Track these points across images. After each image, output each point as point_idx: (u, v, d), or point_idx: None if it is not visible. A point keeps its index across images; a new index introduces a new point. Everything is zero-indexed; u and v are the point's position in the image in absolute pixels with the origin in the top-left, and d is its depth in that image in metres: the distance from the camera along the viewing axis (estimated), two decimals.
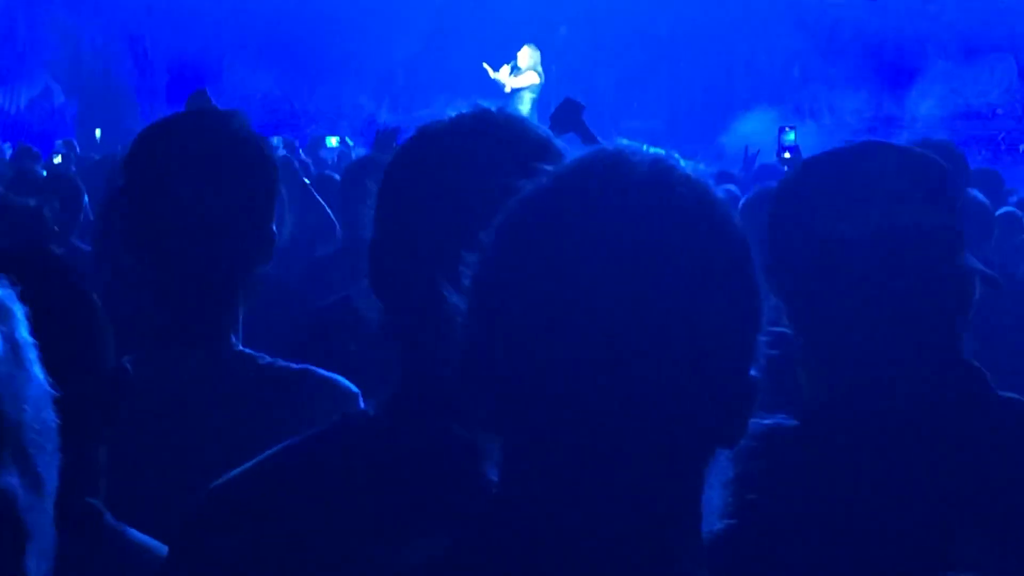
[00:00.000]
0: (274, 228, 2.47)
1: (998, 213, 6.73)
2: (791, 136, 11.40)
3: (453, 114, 1.82)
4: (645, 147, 1.42)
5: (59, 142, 15.61)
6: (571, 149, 1.63)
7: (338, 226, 6.03)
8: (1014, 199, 8.97)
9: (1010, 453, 2.04)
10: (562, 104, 7.23)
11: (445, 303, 1.34)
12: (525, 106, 20.07)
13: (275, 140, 14.27)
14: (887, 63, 21.71)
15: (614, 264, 1.22)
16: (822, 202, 2.08)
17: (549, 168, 1.33)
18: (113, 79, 23.08)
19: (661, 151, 1.37)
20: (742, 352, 1.29)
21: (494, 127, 1.78)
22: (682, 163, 1.34)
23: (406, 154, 1.84)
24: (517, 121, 1.81)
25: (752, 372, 1.30)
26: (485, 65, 20.30)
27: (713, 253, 1.26)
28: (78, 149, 14.57)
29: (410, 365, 1.75)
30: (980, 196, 6.11)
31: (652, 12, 22.64)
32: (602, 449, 1.24)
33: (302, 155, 13.24)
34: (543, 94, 19.51)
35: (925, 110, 20.65)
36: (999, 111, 21.44)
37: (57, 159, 12.70)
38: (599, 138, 7.27)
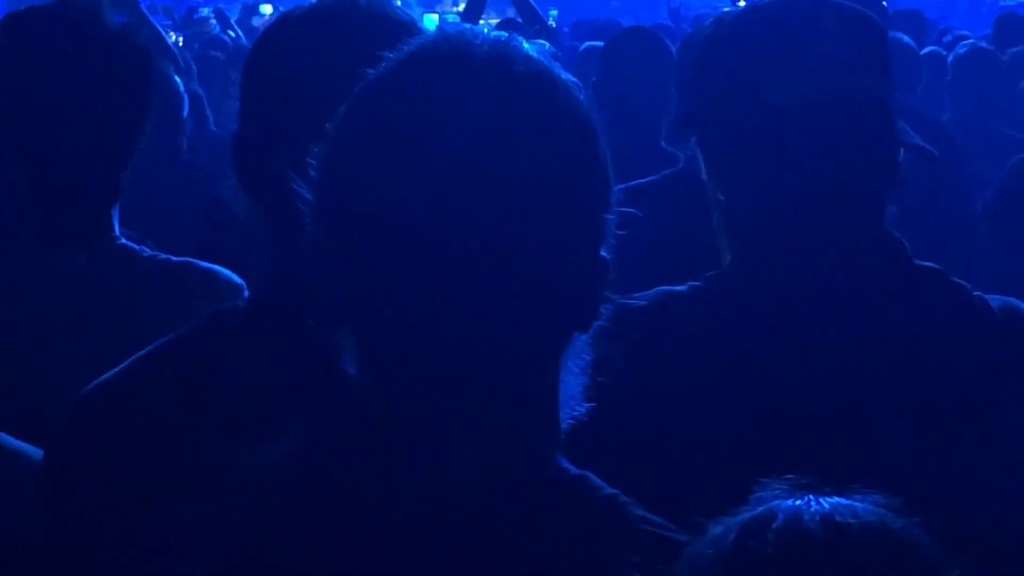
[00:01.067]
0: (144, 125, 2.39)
1: (923, 53, 6.69)
2: None
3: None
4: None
5: None
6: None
7: None
8: (948, 37, 8.90)
9: (925, 325, 1.95)
10: None
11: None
12: None
13: (205, 11, 14.03)
14: None
15: (453, 148, 1.21)
16: (754, 61, 1.96)
17: (390, 54, 1.30)
18: None
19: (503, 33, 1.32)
20: (590, 234, 1.28)
21: (354, 12, 1.75)
22: (525, 44, 1.31)
23: (265, 43, 1.81)
24: (379, 5, 1.78)
25: (602, 253, 1.29)
26: None
27: (555, 134, 1.25)
28: None
29: (278, 261, 1.73)
30: (905, 39, 6.06)
31: None
32: (452, 337, 1.24)
33: (234, 26, 13.03)
34: None
35: None
36: None
37: None
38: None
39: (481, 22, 8.64)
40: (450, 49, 1.27)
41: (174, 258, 2.30)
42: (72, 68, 2.29)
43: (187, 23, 13.89)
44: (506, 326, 1.24)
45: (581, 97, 1.30)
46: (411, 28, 1.70)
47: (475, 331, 1.24)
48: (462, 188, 1.21)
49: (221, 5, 17.53)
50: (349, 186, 1.26)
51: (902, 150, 2.00)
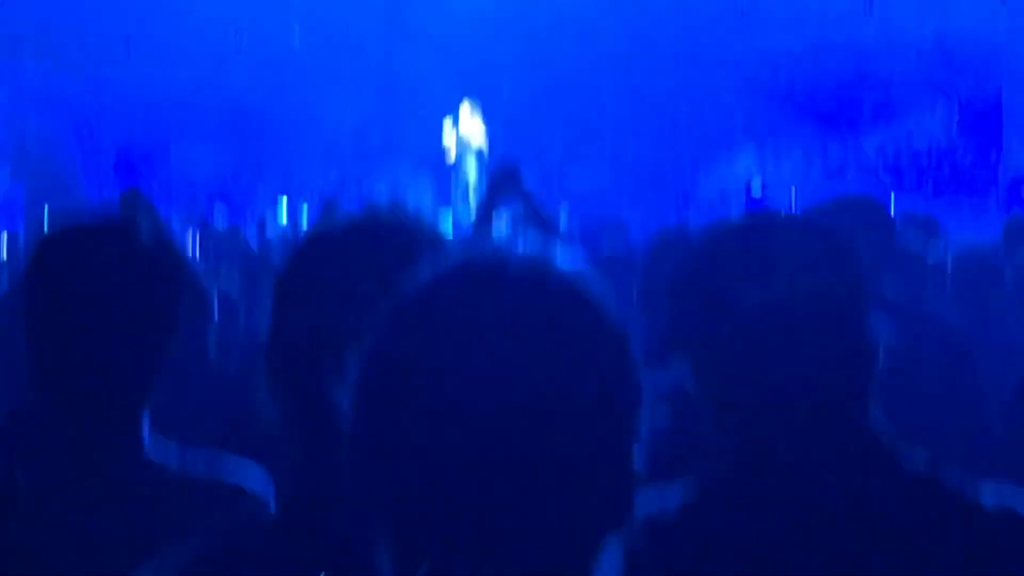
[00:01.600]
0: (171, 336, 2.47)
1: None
2: (758, 185, 11.45)
3: (344, 216, 1.86)
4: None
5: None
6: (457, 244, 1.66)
7: None
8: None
9: (910, 538, 2.03)
10: (499, 170, 7.29)
11: (335, 403, 1.37)
12: (471, 171, 20.13)
13: (219, 221, 14.21)
14: (831, 109, 21.87)
15: (489, 368, 1.27)
16: (724, 271, 2.11)
17: (428, 268, 1.37)
18: (59, 161, 22.99)
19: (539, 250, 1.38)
20: (622, 438, 1.34)
21: (383, 227, 1.82)
22: (557, 257, 1.37)
23: (297, 258, 1.87)
24: (405, 220, 1.85)
25: (635, 449, 1.35)
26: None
27: (586, 346, 1.32)
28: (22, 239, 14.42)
29: (306, 468, 1.76)
30: (913, 244, 6.13)
31: (592, 69, 22.75)
32: (494, 543, 1.28)
33: (248, 240, 13.22)
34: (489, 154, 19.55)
35: (872, 154, 20.80)
36: (941, 148, 21.60)
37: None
38: (536, 202, 7.35)
39: (494, 223, 8.77)
40: (485, 267, 1.35)
41: (201, 475, 2.35)
42: (108, 281, 2.38)
43: (203, 237, 14.06)
44: (544, 530, 1.29)
45: (610, 310, 1.36)
46: (438, 241, 1.76)
47: (518, 537, 1.28)
48: (501, 406, 1.27)
49: (239, 210, 17.86)
50: (387, 402, 1.31)
51: (880, 348, 2.10)
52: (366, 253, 1.77)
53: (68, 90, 23.64)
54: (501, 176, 7.11)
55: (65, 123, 23.72)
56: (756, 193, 11.15)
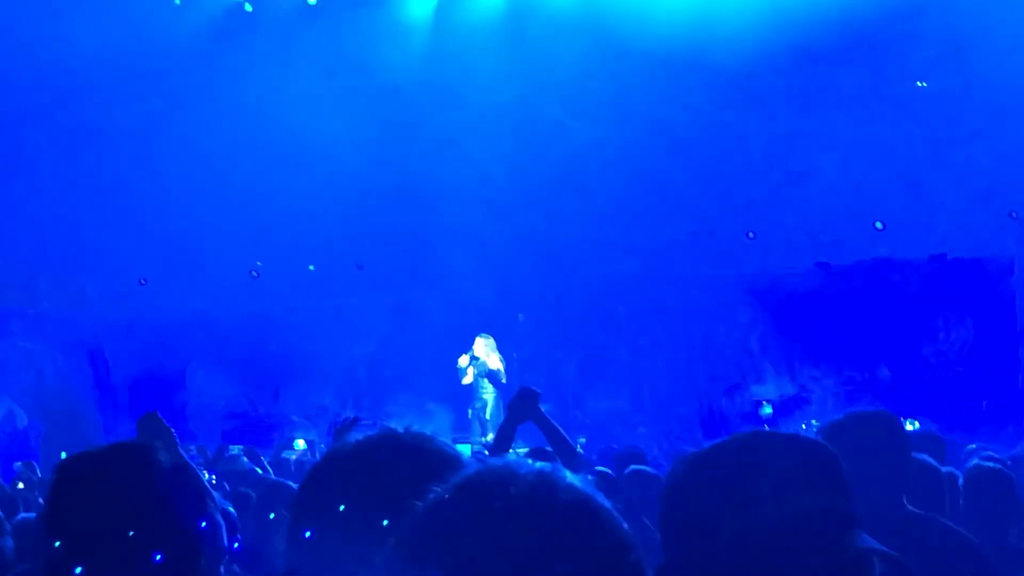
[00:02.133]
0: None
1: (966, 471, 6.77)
2: (768, 409, 11.43)
3: (360, 438, 1.87)
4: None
5: (18, 465, 15.51)
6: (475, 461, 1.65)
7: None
8: (974, 459, 8.94)
9: None
10: (518, 393, 7.30)
11: None
12: (489, 395, 20.21)
13: (235, 449, 14.27)
14: (843, 329, 22.00)
15: (499, 565, 1.29)
16: (710, 498, 2.08)
17: (437, 486, 1.40)
18: (74, 397, 23.13)
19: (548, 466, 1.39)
20: None
21: (398, 448, 1.83)
22: (567, 474, 1.38)
23: (313, 478, 1.88)
24: (420, 441, 1.86)
25: None
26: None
27: (593, 551, 1.34)
28: (39, 472, 14.47)
29: None
30: (928, 459, 6.12)
31: (606, 295, 23.01)
32: None
33: (265, 464, 13.24)
34: (507, 379, 19.62)
35: (887, 372, 20.84)
36: (959, 369, 21.65)
37: (20, 485, 12.61)
38: (555, 424, 7.34)
39: (511, 451, 8.75)
40: (495, 479, 1.37)
41: None
42: (127, 504, 2.39)
43: (219, 459, 14.15)
44: None
45: (621, 522, 1.40)
46: (455, 462, 1.76)
47: None
48: None
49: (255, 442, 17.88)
50: None
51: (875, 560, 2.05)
52: (386, 471, 1.78)
53: (83, 327, 23.93)
54: (521, 396, 7.12)
55: (81, 360, 23.93)
56: (766, 413, 11.10)
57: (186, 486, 2.51)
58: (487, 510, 1.34)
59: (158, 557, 2.38)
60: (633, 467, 8.28)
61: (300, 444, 16.77)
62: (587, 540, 1.34)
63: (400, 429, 1.91)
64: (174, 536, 2.43)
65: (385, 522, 1.50)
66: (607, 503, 1.40)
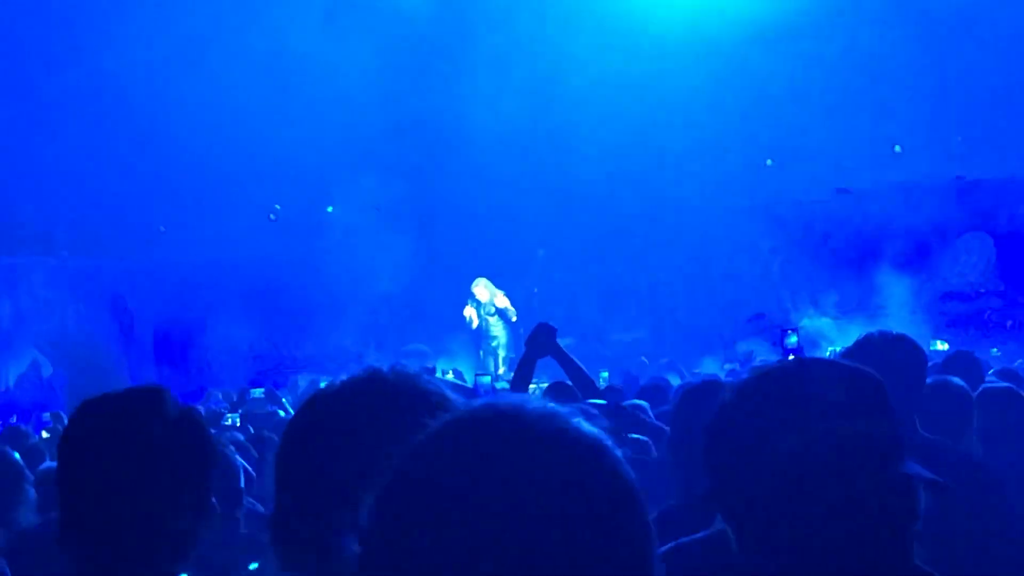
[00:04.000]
0: (212, 499, 2.51)
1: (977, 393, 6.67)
2: (793, 339, 11.39)
3: (345, 378, 1.85)
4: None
5: (46, 415, 15.60)
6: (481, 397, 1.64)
7: None
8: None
9: None
10: (536, 329, 7.28)
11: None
12: (500, 332, 20.29)
13: (257, 392, 14.33)
14: (864, 254, 21.94)
15: (498, 501, 1.25)
16: (759, 423, 2.08)
17: (432, 423, 1.35)
18: (99, 345, 23.23)
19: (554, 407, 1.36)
20: None
21: (384, 387, 1.81)
22: (576, 418, 1.36)
23: (297, 421, 1.87)
24: (409, 378, 1.84)
25: None
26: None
27: (598, 498, 1.29)
28: (65, 422, 14.53)
29: None
30: (957, 380, 6.06)
31: (625, 225, 22.96)
32: None
33: (286, 405, 13.29)
34: (527, 315, 19.63)
35: (906, 296, 20.78)
36: (981, 290, 21.61)
37: (45, 435, 12.68)
38: (575, 358, 7.33)
39: (532, 386, 8.75)
40: (500, 414, 1.33)
41: None
42: (138, 447, 2.45)
43: (242, 402, 14.23)
44: None
45: (626, 466, 1.35)
46: (442, 402, 1.74)
47: None
48: (515, 550, 1.23)
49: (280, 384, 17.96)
50: (399, 552, 1.28)
51: (919, 490, 2.07)
52: (371, 411, 1.77)
53: (104, 276, 24.01)
54: (538, 332, 7.10)
55: (102, 308, 24.02)
56: (791, 343, 11.05)
57: (195, 433, 2.53)
58: (488, 445, 1.30)
59: (161, 502, 2.41)
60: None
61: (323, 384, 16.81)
62: (588, 487, 1.30)
63: (386, 368, 1.88)
64: (182, 481, 2.44)
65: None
66: (616, 451, 1.35)
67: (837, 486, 1.99)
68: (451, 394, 1.79)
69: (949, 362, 7.88)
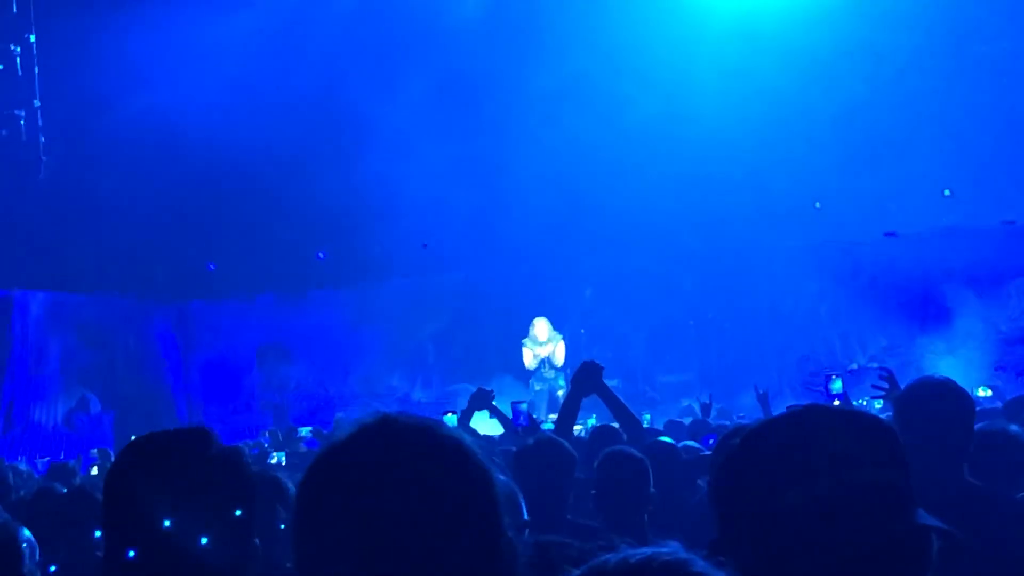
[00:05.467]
0: (255, 541, 2.59)
1: None
2: (838, 384, 11.24)
3: (355, 426, 1.89)
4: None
5: (94, 451, 15.69)
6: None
7: None
8: None
9: None
10: (582, 367, 7.29)
11: None
12: (550, 375, 20.28)
13: (304, 431, 14.37)
14: (912, 297, 21.81)
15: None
16: (765, 473, 2.05)
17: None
18: (147, 382, 23.36)
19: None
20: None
21: (393, 438, 1.85)
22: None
23: (313, 476, 1.89)
24: (416, 426, 1.87)
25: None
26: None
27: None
28: (112, 458, 14.59)
29: None
30: (1014, 428, 5.97)
31: (673, 268, 22.93)
32: None
33: None
34: (574, 355, 19.62)
35: (955, 340, 20.63)
36: None
37: (94, 471, 12.76)
38: (620, 397, 7.32)
39: (578, 427, 8.74)
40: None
41: None
42: (182, 486, 2.51)
43: (288, 441, 14.28)
44: None
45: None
46: (460, 447, 1.81)
47: None
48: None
49: (326, 423, 17.97)
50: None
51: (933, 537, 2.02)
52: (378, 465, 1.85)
53: (154, 316, 24.15)
54: (585, 370, 7.12)
55: (151, 344, 24.17)
56: (835, 388, 10.91)
57: (237, 472, 2.58)
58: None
59: (203, 540, 2.43)
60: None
61: None
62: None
63: (394, 413, 1.91)
64: (224, 520, 2.46)
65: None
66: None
67: (846, 538, 1.95)
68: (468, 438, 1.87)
69: (1010, 407, 7.78)
